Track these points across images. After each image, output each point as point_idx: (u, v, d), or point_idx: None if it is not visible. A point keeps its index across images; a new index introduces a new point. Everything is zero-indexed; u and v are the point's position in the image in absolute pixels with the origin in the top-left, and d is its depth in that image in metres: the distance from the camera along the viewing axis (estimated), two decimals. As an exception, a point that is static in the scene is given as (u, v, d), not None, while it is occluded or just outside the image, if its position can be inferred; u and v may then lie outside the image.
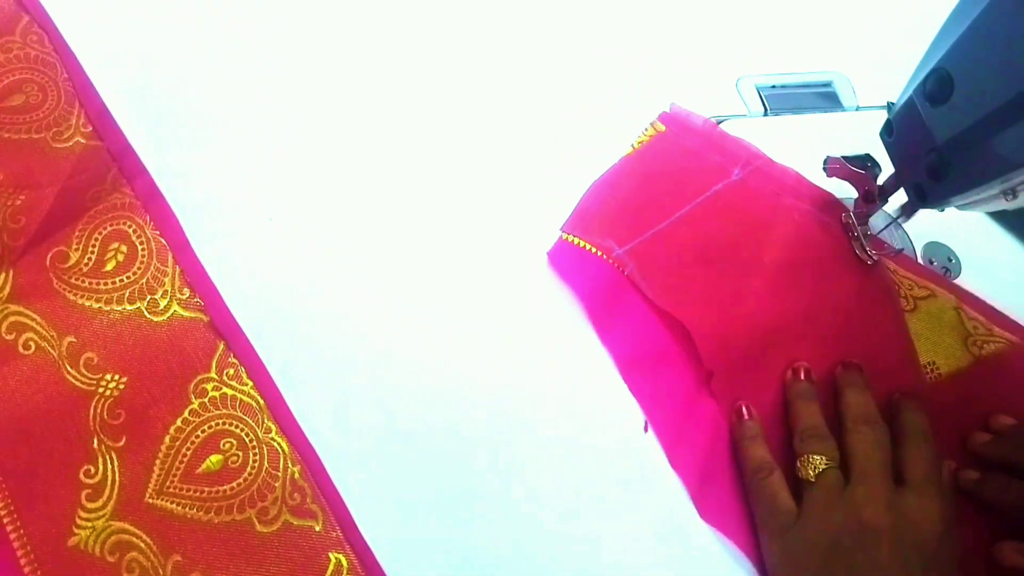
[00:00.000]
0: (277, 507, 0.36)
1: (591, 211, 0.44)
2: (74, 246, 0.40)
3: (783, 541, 0.36)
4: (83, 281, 0.40)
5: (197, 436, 0.37)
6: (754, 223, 0.43)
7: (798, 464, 0.37)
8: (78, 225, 0.41)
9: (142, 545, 0.35)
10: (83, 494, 0.36)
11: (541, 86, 0.49)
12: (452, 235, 0.44)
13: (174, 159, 0.43)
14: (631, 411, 0.40)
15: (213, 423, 0.37)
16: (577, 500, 0.38)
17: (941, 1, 0.34)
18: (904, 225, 0.45)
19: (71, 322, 0.39)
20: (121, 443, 0.37)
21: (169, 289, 0.40)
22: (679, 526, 0.38)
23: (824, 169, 0.43)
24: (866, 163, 0.42)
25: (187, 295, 0.40)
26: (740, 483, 0.39)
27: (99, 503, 0.36)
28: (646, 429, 0.40)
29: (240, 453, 0.37)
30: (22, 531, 0.35)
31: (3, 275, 0.40)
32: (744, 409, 0.40)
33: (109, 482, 0.36)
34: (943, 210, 0.39)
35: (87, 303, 0.39)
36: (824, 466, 0.36)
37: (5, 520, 0.35)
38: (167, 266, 0.41)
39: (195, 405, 0.38)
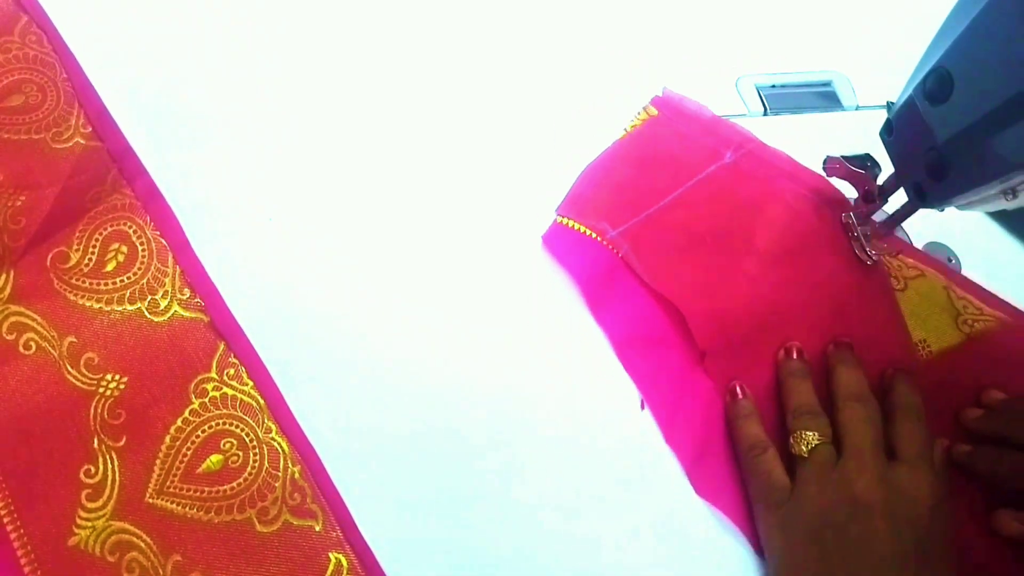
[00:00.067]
0: (277, 507, 0.36)
1: (585, 194, 0.44)
2: (75, 247, 0.40)
3: (777, 516, 0.36)
4: (84, 281, 0.40)
5: (197, 436, 0.37)
6: (747, 205, 0.44)
7: (791, 441, 0.37)
8: (78, 226, 0.41)
9: (142, 545, 0.35)
10: (83, 494, 0.36)
11: (537, 80, 0.49)
12: (450, 226, 0.44)
13: (174, 159, 0.43)
14: (630, 405, 0.40)
15: (213, 423, 0.37)
16: (577, 500, 0.38)
17: (941, 1, 0.34)
18: (904, 225, 0.45)
19: (72, 322, 0.39)
20: (121, 443, 0.37)
21: (169, 289, 0.40)
22: (679, 526, 0.38)
23: (824, 169, 0.43)
24: (866, 163, 0.42)
25: (187, 295, 0.40)
26: (735, 460, 0.39)
27: (99, 503, 0.36)
28: (642, 407, 0.40)
29: (240, 453, 0.37)
30: (22, 531, 0.35)
31: (4, 276, 0.40)
32: (738, 388, 0.40)
33: (109, 482, 0.36)
34: (943, 210, 0.39)
35: (88, 303, 0.39)
36: (817, 442, 0.36)
37: (5, 520, 0.35)
38: (167, 266, 0.41)
39: (195, 405, 0.38)
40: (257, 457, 0.37)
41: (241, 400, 0.38)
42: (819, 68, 0.51)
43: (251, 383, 0.38)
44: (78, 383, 0.38)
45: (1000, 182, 0.32)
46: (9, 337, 0.38)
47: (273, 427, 0.38)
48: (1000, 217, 0.46)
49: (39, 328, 0.39)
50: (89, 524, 0.35)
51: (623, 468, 0.39)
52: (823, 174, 0.44)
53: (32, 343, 0.38)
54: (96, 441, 0.37)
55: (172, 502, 0.36)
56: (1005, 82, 0.30)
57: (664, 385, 0.41)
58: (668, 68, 0.49)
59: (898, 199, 0.40)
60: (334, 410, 0.39)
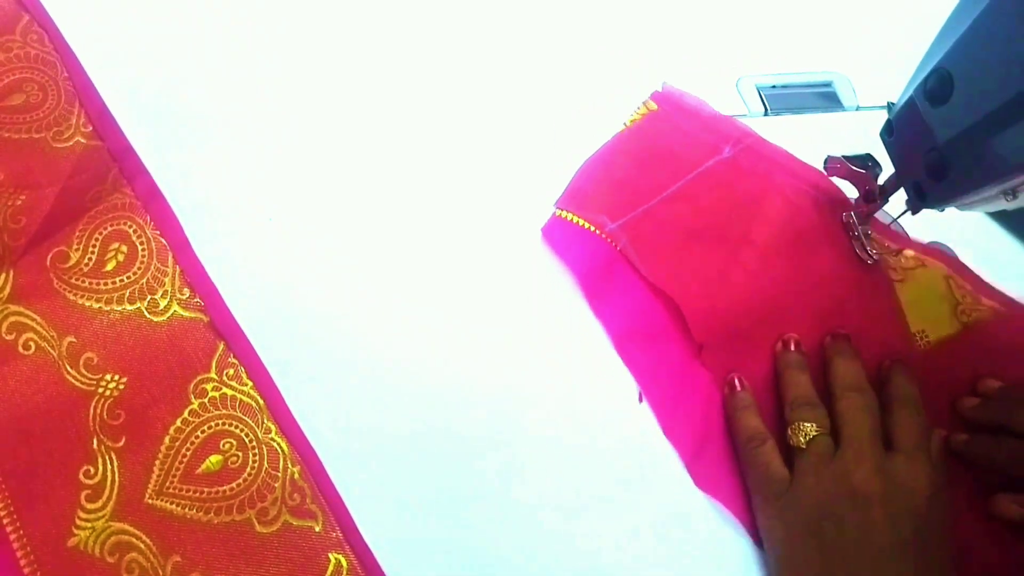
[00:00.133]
0: (277, 507, 0.36)
1: (584, 188, 0.45)
2: (74, 246, 0.40)
3: (776, 507, 0.36)
4: (83, 281, 0.40)
5: (197, 436, 0.37)
6: (745, 199, 0.44)
7: (789, 432, 0.38)
8: (78, 225, 0.41)
9: (142, 546, 0.35)
10: (83, 494, 0.36)
11: (538, 78, 0.49)
12: (449, 222, 0.44)
13: (174, 159, 0.43)
14: (630, 402, 0.40)
15: (213, 423, 0.37)
16: (577, 500, 0.38)
17: (941, 1, 0.34)
18: (904, 225, 0.45)
19: (71, 322, 0.39)
20: (121, 443, 0.37)
21: (169, 289, 0.40)
22: (679, 526, 0.38)
23: (825, 169, 0.43)
24: (866, 163, 0.42)
25: (187, 295, 0.40)
26: (733, 451, 0.39)
27: (99, 503, 0.36)
28: (640, 400, 0.40)
29: (240, 453, 0.37)
30: (22, 531, 0.35)
31: (3, 275, 0.40)
32: (736, 381, 0.40)
33: (109, 482, 0.36)
34: (943, 210, 0.39)
35: (87, 303, 0.39)
36: (815, 433, 0.37)
37: (5, 521, 0.35)
38: (167, 266, 0.41)
39: (195, 405, 0.38)
40: (257, 457, 0.37)
41: (241, 400, 0.38)
42: (820, 68, 0.51)
43: (251, 383, 0.38)
44: (77, 383, 0.38)
45: (1000, 183, 0.32)
46: (8, 337, 0.38)
47: (273, 427, 0.38)
48: (1000, 217, 0.46)
49: (38, 328, 0.39)
50: (89, 525, 0.35)
51: (623, 468, 0.39)
52: (822, 170, 0.44)
53: (31, 343, 0.38)
54: (95, 441, 0.37)
55: (172, 503, 0.36)
56: (1005, 83, 0.30)
57: (663, 378, 0.41)
58: (668, 68, 0.49)
59: (898, 199, 0.40)
60: (334, 410, 0.39)
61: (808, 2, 0.54)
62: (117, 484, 0.36)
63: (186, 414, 0.37)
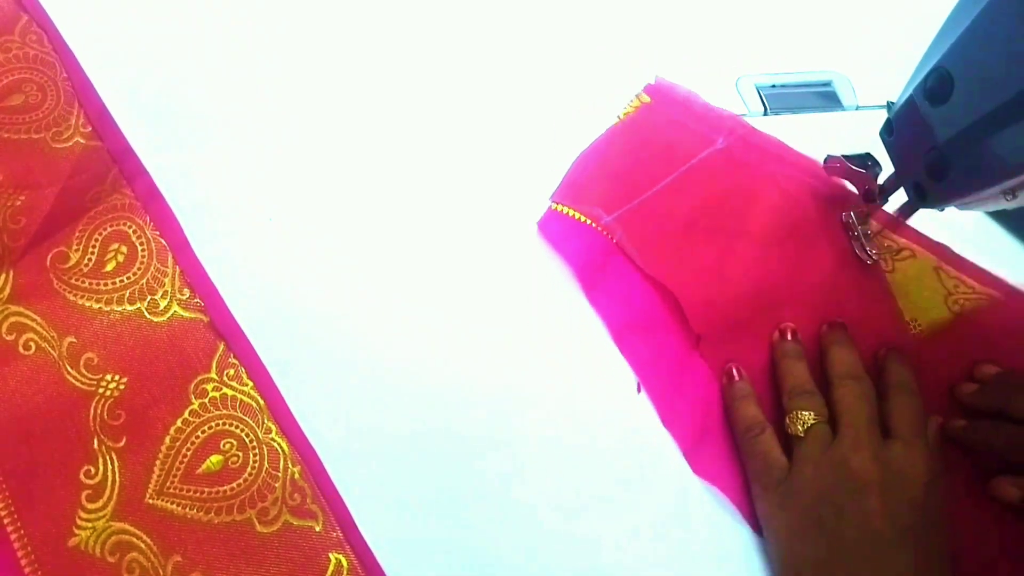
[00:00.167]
0: (277, 507, 0.36)
1: (579, 181, 0.45)
2: (74, 247, 0.40)
3: (776, 495, 0.36)
4: (83, 282, 0.40)
5: (197, 436, 0.37)
6: (739, 189, 0.44)
7: (787, 420, 0.38)
8: (78, 226, 0.41)
9: (142, 546, 0.35)
10: (83, 494, 0.36)
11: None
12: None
13: (174, 159, 0.43)
14: (630, 398, 0.40)
15: (213, 423, 0.37)
16: (577, 500, 0.38)
17: (941, 1, 0.34)
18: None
19: (71, 322, 0.39)
20: (121, 443, 0.37)
21: (169, 289, 0.40)
22: (679, 526, 0.38)
23: (824, 168, 0.43)
24: (866, 162, 0.42)
25: (187, 295, 0.40)
26: (732, 440, 0.39)
27: (99, 503, 0.36)
28: (638, 391, 0.40)
29: (240, 453, 0.37)
30: (22, 531, 0.35)
31: (3, 276, 0.40)
32: (734, 371, 0.40)
33: (109, 482, 0.36)
34: (943, 210, 0.39)
35: (87, 304, 0.39)
36: (812, 421, 0.37)
37: (5, 520, 0.35)
38: (167, 266, 0.41)
39: (195, 405, 0.38)
40: (257, 457, 0.37)
41: (241, 400, 0.38)
42: (819, 68, 0.51)
43: (251, 383, 0.38)
44: (78, 383, 0.38)
45: (1000, 182, 0.32)
46: (9, 337, 0.38)
47: (273, 427, 0.38)
48: (1000, 217, 0.46)
49: (39, 328, 0.39)
50: (89, 525, 0.35)
51: (623, 468, 0.39)
52: (815, 158, 0.44)
53: (32, 343, 0.38)
54: (96, 442, 0.37)
55: (172, 503, 0.36)
56: (1005, 82, 0.30)
57: (661, 368, 0.41)
58: (668, 68, 0.49)
59: (898, 199, 0.40)
60: (334, 410, 0.39)
61: (808, 2, 0.54)
62: (118, 484, 0.36)
63: (186, 414, 0.38)
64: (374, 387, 0.39)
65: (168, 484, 0.36)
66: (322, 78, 0.47)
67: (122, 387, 0.38)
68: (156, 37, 0.47)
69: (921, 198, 0.38)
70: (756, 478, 0.38)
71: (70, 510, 0.35)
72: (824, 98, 0.50)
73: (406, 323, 0.41)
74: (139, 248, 0.41)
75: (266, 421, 0.38)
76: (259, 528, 0.36)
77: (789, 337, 0.41)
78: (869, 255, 0.43)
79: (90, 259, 0.40)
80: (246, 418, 0.38)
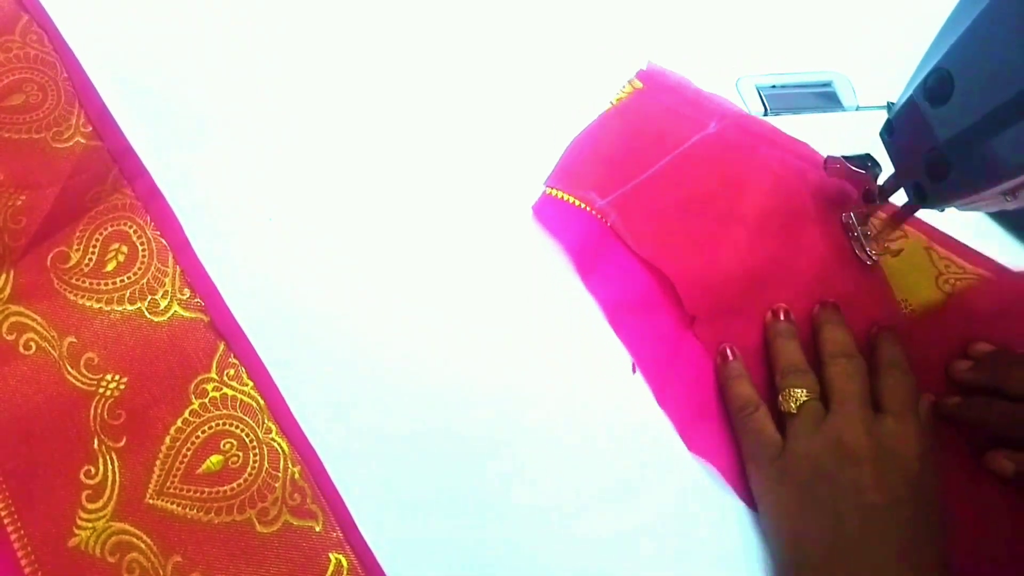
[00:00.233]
0: (277, 507, 0.36)
1: (573, 165, 0.45)
2: (75, 246, 0.40)
3: (770, 471, 0.37)
4: (84, 281, 0.40)
5: (197, 436, 0.37)
6: (731, 173, 0.45)
7: (780, 398, 0.38)
8: (79, 225, 0.41)
9: (142, 546, 0.35)
10: (83, 495, 0.36)
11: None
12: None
13: (174, 159, 0.43)
14: (629, 385, 0.41)
15: (213, 423, 0.37)
16: (577, 500, 0.38)
17: (941, 1, 0.34)
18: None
19: (72, 322, 0.39)
20: (121, 443, 0.37)
21: (169, 289, 0.40)
22: (681, 526, 0.38)
23: (824, 169, 0.43)
24: (866, 163, 0.42)
25: (187, 295, 0.40)
26: (726, 419, 0.40)
27: (99, 504, 0.36)
28: (634, 371, 0.41)
29: (240, 453, 0.37)
30: (22, 531, 0.35)
31: (4, 275, 0.40)
32: (728, 351, 0.41)
33: (109, 483, 0.36)
34: (943, 210, 0.39)
35: (88, 303, 0.39)
36: (805, 398, 0.37)
37: (6, 521, 0.35)
38: (167, 266, 0.41)
39: (195, 405, 0.38)
40: (257, 458, 0.37)
41: (241, 400, 0.38)
42: (819, 68, 0.51)
43: (251, 383, 0.38)
44: (78, 383, 0.38)
45: (1000, 183, 0.32)
46: (9, 337, 0.38)
47: (273, 427, 0.38)
48: (1000, 217, 0.46)
49: (39, 328, 0.39)
50: (89, 525, 0.35)
51: (623, 468, 0.39)
52: (805, 142, 0.45)
53: (32, 343, 0.38)
54: (96, 442, 0.37)
55: (172, 503, 0.36)
56: (1005, 83, 0.30)
57: (655, 349, 0.41)
58: (668, 68, 0.49)
59: (898, 199, 0.40)
60: (334, 410, 0.39)
61: (808, 2, 0.54)
62: (118, 484, 0.36)
63: (187, 414, 0.38)
64: (374, 387, 0.39)
65: (168, 484, 0.36)
66: (321, 78, 0.47)
67: (122, 387, 0.38)
68: (156, 37, 0.47)
69: (921, 198, 0.38)
70: (750, 455, 0.38)
71: (70, 510, 0.36)
72: (824, 98, 0.50)
73: (406, 322, 0.41)
74: (139, 248, 0.41)
75: (266, 421, 0.38)
76: (259, 528, 0.36)
77: (782, 317, 0.41)
78: (869, 255, 0.43)
79: (91, 259, 0.40)
80: (246, 418, 0.38)
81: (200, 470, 0.37)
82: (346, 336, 0.40)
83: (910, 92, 0.36)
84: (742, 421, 0.39)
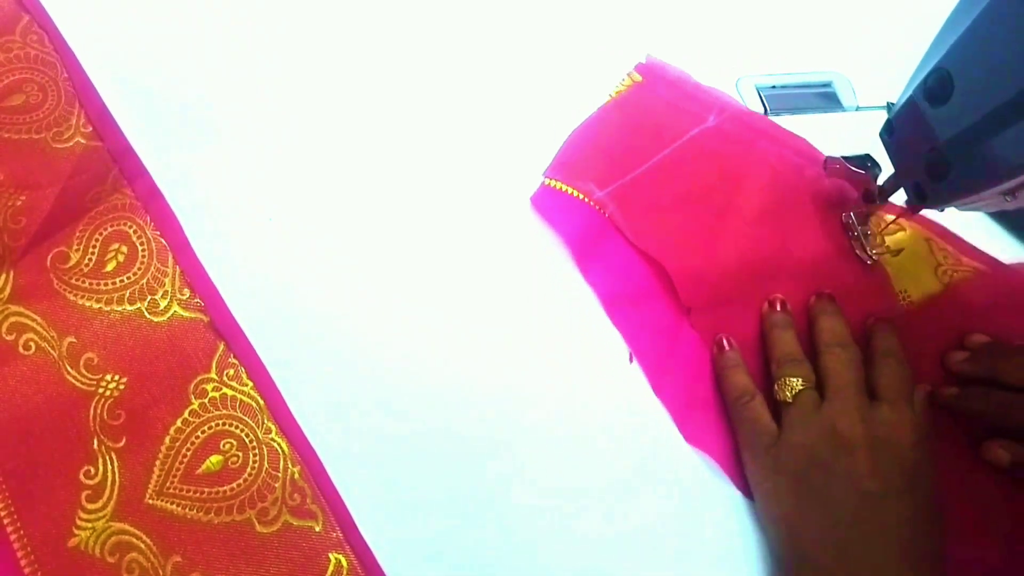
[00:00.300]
0: (277, 508, 0.36)
1: (572, 157, 0.46)
2: (75, 247, 0.40)
3: (765, 460, 0.37)
4: (83, 282, 0.40)
5: (197, 437, 0.37)
6: (729, 166, 0.45)
7: (776, 388, 0.39)
8: (79, 226, 0.41)
9: (142, 546, 0.35)
10: (83, 495, 0.36)
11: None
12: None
13: (174, 160, 0.43)
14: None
15: (213, 424, 0.37)
16: (578, 500, 0.38)
17: (941, 1, 0.34)
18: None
19: (71, 322, 0.39)
20: (121, 444, 0.37)
21: (169, 289, 0.40)
22: (683, 527, 0.38)
23: (824, 169, 0.43)
24: (866, 163, 0.42)
25: (187, 295, 0.40)
26: (722, 408, 0.40)
27: (99, 504, 0.36)
28: (631, 360, 0.41)
29: (240, 454, 0.37)
30: (22, 532, 0.35)
31: (4, 276, 0.40)
32: (724, 341, 0.41)
33: (109, 483, 0.36)
34: (943, 210, 0.39)
35: (87, 304, 0.39)
36: (800, 387, 0.38)
37: (5, 521, 0.35)
38: (167, 266, 0.41)
39: (195, 406, 0.38)
40: (257, 458, 0.37)
41: (241, 400, 0.38)
42: (819, 69, 0.51)
43: (251, 383, 0.38)
44: (78, 383, 0.38)
45: (1000, 183, 0.32)
46: (9, 337, 0.38)
47: (273, 428, 0.38)
48: (1000, 217, 0.46)
49: (39, 328, 0.39)
50: (89, 525, 0.35)
51: (623, 466, 0.39)
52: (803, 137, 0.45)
53: (32, 343, 0.38)
54: (96, 442, 0.37)
55: (172, 503, 0.36)
56: (1005, 83, 0.30)
57: (652, 339, 0.42)
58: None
59: (898, 199, 0.40)
60: (334, 410, 0.39)
61: (808, 2, 0.54)
62: (117, 484, 0.36)
63: (186, 414, 0.38)
64: (374, 387, 0.39)
65: (168, 484, 0.36)
66: (321, 77, 0.47)
67: (122, 387, 0.38)
68: (156, 37, 0.47)
69: (921, 199, 0.38)
70: (746, 444, 0.39)
71: (70, 510, 0.35)
72: (824, 99, 0.50)
73: (406, 322, 0.41)
74: (139, 248, 0.41)
75: (266, 421, 0.38)
76: (259, 528, 0.36)
77: (779, 308, 0.42)
78: (869, 255, 0.43)
79: (90, 259, 0.40)
80: (246, 418, 0.38)
81: (200, 470, 0.37)
82: (346, 336, 0.40)
83: (910, 92, 0.36)
84: (738, 410, 0.39)
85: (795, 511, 0.35)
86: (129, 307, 0.40)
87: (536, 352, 0.41)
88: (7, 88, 0.43)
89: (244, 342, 0.39)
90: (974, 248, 0.44)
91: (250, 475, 0.37)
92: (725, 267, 0.42)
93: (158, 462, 0.36)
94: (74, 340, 0.38)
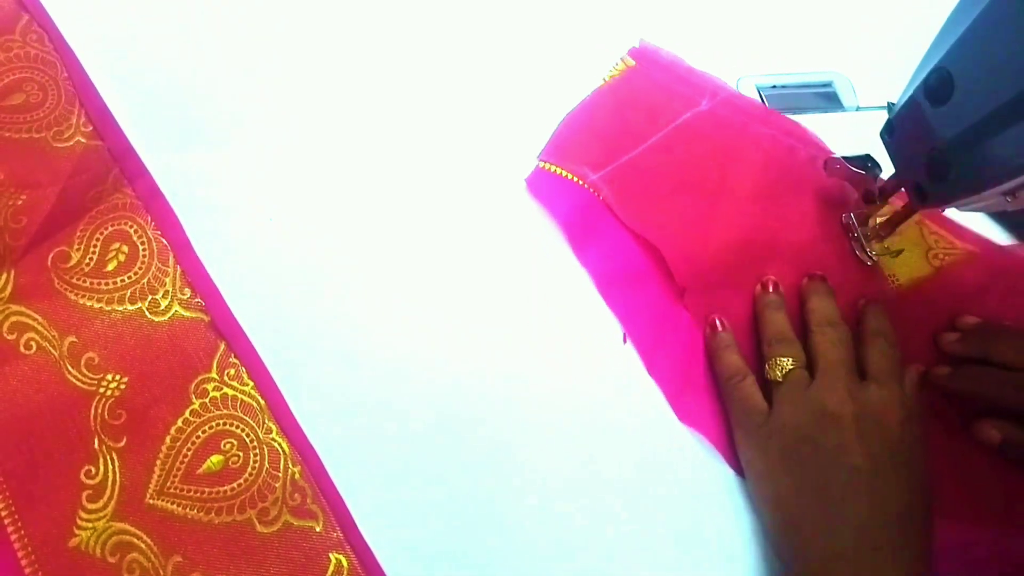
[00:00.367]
0: (277, 508, 0.36)
1: (566, 140, 0.46)
2: (75, 246, 0.40)
3: (757, 437, 0.38)
4: (84, 281, 0.40)
5: (198, 436, 0.37)
6: (722, 149, 0.46)
7: (766, 367, 0.39)
8: (79, 225, 0.41)
9: (143, 546, 0.35)
10: (84, 495, 0.36)
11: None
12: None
13: (175, 159, 0.43)
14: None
15: (214, 423, 0.37)
16: (578, 500, 0.38)
17: (941, 1, 0.34)
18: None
19: (72, 322, 0.39)
20: (122, 443, 0.37)
21: (170, 289, 0.40)
22: (684, 528, 0.38)
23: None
24: (866, 163, 0.42)
25: (188, 295, 0.40)
26: (715, 387, 0.41)
27: (100, 504, 0.36)
28: (624, 341, 0.41)
29: (241, 453, 0.37)
30: (23, 532, 0.35)
31: (4, 275, 0.40)
32: (717, 321, 0.42)
33: (110, 483, 0.36)
34: (943, 210, 0.39)
35: (88, 303, 0.39)
36: (791, 367, 0.38)
37: (6, 521, 0.35)
38: (168, 266, 0.41)
39: (196, 405, 0.38)
40: (257, 457, 0.37)
41: (242, 400, 0.38)
42: (820, 68, 0.51)
43: (251, 383, 0.38)
44: (78, 383, 0.38)
45: (1001, 183, 0.32)
46: (10, 337, 0.38)
47: (273, 427, 0.38)
48: (1001, 217, 0.46)
49: (40, 328, 0.39)
50: (90, 525, 0.35)
51: (624, 468, 0.39)
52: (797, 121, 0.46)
53: (33, 343, 0.38)
54: (97, 441, 0.37)
55: (172, 503, 0.36)
56: (1006, 83, 0.30)
57: (646, 320, 0.42)
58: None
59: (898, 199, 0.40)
60: (334, 410, 0.39)
61: (808, 2, 0.54)
62: (118, 484, 0.36)
63: (187, 414, 0.38)
64: (374, 387, 0.39)
65: (168, 484, 0.36)
66: (321, 77, 0.47)
67: (123, 387, 0.38)
68: (157, 37, 0.47)
69: (922, 199, 0.38)
70: (738, 422, 0.39)
71: (70, 510, 0.35)
72: (824, 99, 0.50)
73: (406, 322, 0.41)
74: (140, 248, 0.41)
75: (267, 421, 0.38)
76: (259, 528, 0.36)
77: (771, 289, 0.42)
78: (869, 256, 0.43)
79: (91, 258, 0.40)
80: (247, 418, 0.38)
81: (200, 470, 0.37)
82: (346, 336, 0.40)
83: (910, 92, 0.36)
84: (730, 390, 0.40)
85: (786, 488, 0.36)
86: (130, 307, 0.40)
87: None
88: (7, 87, 0.43)
89: (245, 342, 0.39)
90: (966, 229, 0.44)
91: (251, 475, 0.37)
92: (718, 249, 0.43)
93: (159, 462, 0.36)
94: (75, 340, 0.38)
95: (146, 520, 0.35)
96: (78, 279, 0.40)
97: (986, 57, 0.31)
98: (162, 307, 0.40)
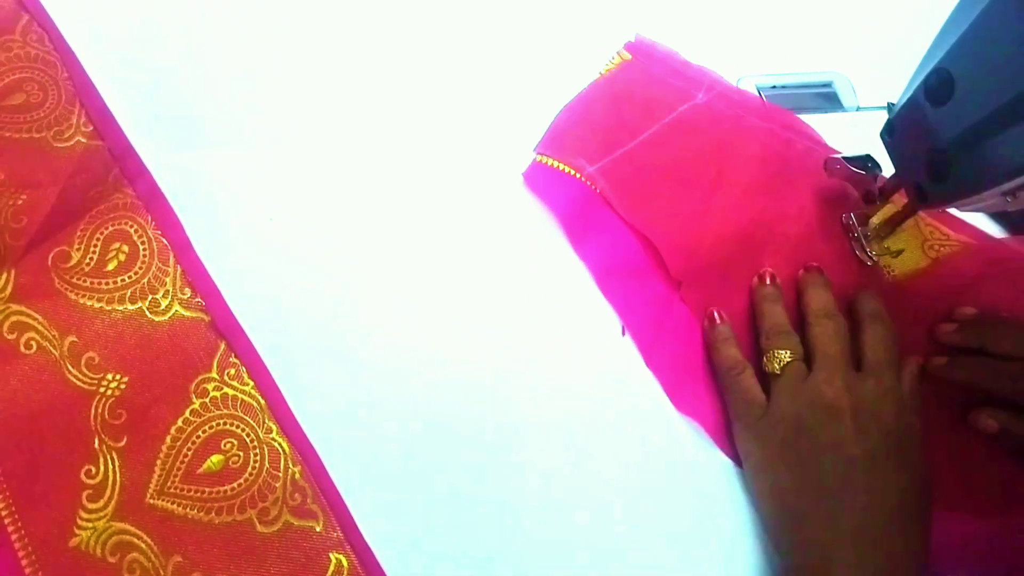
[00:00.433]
0: (278, 507, 0.36)
1: (563, 133, 0.46)
2: (76, 246, 0.40)
3: (755, 429, 0.38)
4: (85, 281, 0.40)
5: (198, 436, 0.37)
6: (718, 142, 0.46)
7: (764, 360, 0.39)
8: (80, 225, 0.41)
9: (143, 546, 0.35)
10: (84, 494, 0.36)
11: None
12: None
13: (175, 159, 0.43)
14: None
15: (214, 423, 0.37)
16: (579, 500, 0.38)
17: (942, 1, 0.34)
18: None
19: (72, 322, 0.39)
20: (122, 443, 0.37)
21: (170, 289, 0.40)
22: (683, 521, 0.38)
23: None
24: (866, 164, 0.42)
25: (188, 295, 0.40)
26: (713, 380, 0.41)
27: (100, 503, 0.36)
28: (623, 334, 0.42)
29: (241, 453, 0.37)
30: (23, 532, 0.35)
31: (5, 275, 0.40)
32: (715, 314, 0.42)
33: (110, 482, 0.36)
34: (944, 211, 0.39)
35: (89, 303, 0.39)
36: (789, 359, 0.39)
37: (6, 521, 0.35)
38: (168, 266, 0.41)
39: (196, 405, 0.38)
40: (258, 457, 0.37)
41: (242, 400, 0.38)
42: (820, 69, 0.51)
43: (252, 383, 0.38)
44: (79, 383, 0.38)
45: (1001, 183, 0.32)
46: (10, 337, 0.38)
47: (274, 427, 0.38)
48: (1001, 217, 0.46)
49: (40, 328, 0.39)
50: (90, 525, 0.35)
51: (624, 468, 0.39)
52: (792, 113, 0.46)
53: (33, 343, 0.38)
54: (97, 441, 0.37)
55: (173, 503, 0.36)
56: (1006, 83, 0.30)
57: (644, 313, 0.42)
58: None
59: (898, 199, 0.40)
60: (335, 410, 0.39)
61: (808, 2, 0.54)
62: (118, 484, 0.36)
63: (187, 414, 0.38)
64: (374, 387, 0.39)
65: (169, 484, 0.36)
66: (320, 77, 0.47)
67: (123, 386, 0.38)
68: (157, 37, 0.47)
69: (922, 199, 0.38)
70: (736, 415, 0.39)
71: (71, 510, 0.35)
72: (824, 99, 0.50)
73: (406, 321, 0.41)
74: (140, 247, 0.41)
75: (267, 421, 0.38)
76: (260, 528, 0.36)
77: (768, 281, 0.42)
78: (869, 256, 0.43)
79: (91, 258, 0.40)
80: (247, 418, 0.38)
81: (201, 470, 0.37)
82: (347, 336, 0.40)
83: (911, 92, 0.36)
84: (729, 382, 0.40)
85: (784, 481, 0.36)
86: (130, 306, 0.40)
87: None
88: (8, 87, 0.43)
89: (245, 341, 0.39)
90: (962, 222, 0.44)
91: (251, 475, 0.37)
92: (714, 241, 0.43)
93: (159, 462, 0.36)
94: (75, 339, 0.38)
95: (146, 520, 0.36)
96: (78, 279, 0.40)
97: (986, 57, 0.31)
98: (162, 307, 0.40)
